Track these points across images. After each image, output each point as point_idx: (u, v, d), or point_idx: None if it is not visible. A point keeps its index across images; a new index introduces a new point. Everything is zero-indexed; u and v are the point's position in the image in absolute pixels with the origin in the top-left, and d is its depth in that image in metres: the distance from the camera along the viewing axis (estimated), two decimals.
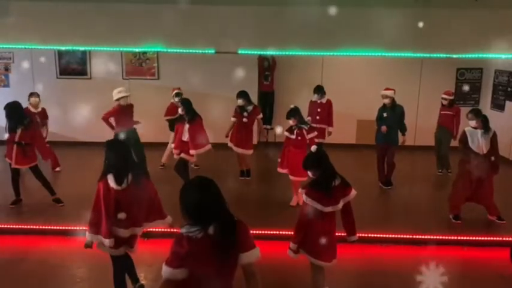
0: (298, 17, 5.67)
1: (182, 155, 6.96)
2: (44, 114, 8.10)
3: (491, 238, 5.81)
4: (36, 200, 6.86)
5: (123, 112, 7.38)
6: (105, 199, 3.89)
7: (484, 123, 6.15)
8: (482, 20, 5.80)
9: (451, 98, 8.43)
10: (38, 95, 8.05)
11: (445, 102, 8.40)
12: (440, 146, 8.48)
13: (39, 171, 6.70)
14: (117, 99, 7.32)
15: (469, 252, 5.64)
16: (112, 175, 3.89)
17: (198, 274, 2.59)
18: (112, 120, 7.40)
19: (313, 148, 4.51)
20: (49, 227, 5.90)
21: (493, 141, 6.13)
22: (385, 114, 7.48)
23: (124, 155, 3.99)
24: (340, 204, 4.11)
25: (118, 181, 3.88)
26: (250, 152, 7.94)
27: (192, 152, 6.88)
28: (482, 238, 5.80)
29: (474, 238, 5.80)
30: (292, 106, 6.82)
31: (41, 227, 5.91)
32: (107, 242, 3.94)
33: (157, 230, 5.43)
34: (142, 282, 4.56)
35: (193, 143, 6.84)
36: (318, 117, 8.20)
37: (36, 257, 5.40)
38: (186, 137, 6.90)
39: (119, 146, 4.07)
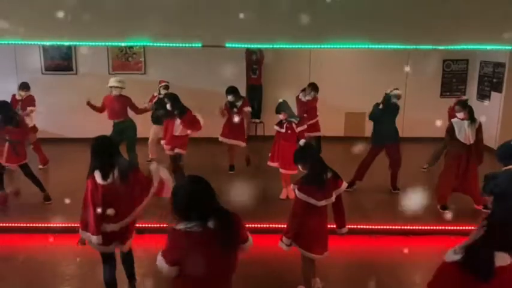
0: (286, 10, 5.64)
1: (176, 150, 6.95)
2: (28, 101, 7.94)
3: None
4: (22, 197, 6.79)
5: (113, 102, 7.47)
6: (93, 195, 3.87)
7: (470, 114, 6.25)
8: (468, 11, 5.84)
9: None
10: (26, 89, 7.98)
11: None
12: None
13: (29, 169, 6.61)
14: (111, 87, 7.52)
15: (456, 242, 5.70)
16: (98, 170, 3.87)
17: (201, 268, 2.61)
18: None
19: (302, 142, 4.53)
20: (36, 225, 5.83)
21: (479, 132, 6.23)
22: (380, 113, 6.99)
23: (108, 149, 3.97)
24: (333, 197, 4.14)
25: (104, 176, 3.86)
26: (244, 144, 7.93)
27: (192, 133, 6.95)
28: (470, 227, 5.86)
29: (461, 228, 5.87)
30: (280, 100, 6.84)
31: (28, 225, 5.85)
32: (94, 238, 3.92)
33: (149, 225, 5.44)
34: None
35: (193, 131, 6.94)
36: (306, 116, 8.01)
37: (24, 255, 5.34)
38: (178, 131, 6.88)
39: (103, 141, 4.04)
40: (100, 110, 7.60)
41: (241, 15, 5.56)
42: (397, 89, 7.10)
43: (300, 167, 4.25)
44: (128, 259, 4.38)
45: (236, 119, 7.64)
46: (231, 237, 2.66)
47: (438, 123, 7.55)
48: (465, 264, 2.41)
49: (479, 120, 6.26)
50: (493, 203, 4.32)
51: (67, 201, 6.03)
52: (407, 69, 9.18)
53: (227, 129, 7.84)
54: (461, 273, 2.41)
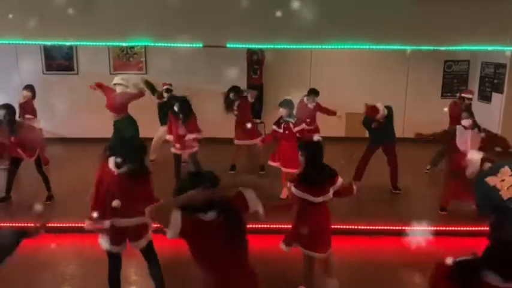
0: (286, 10, 5.65)
1: (187, 151, 6.96)
2: (26, 107, 7.96)
3: (477, 228, 5.88)
4: (24, 197, 6.80)
5: (112, 99, 7.64)
6: (100, 179, 3.92)
7: (474, 124, 6.11)
8: (469, 12, 5.84)
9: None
10: (29, 90, 8.09)
11: (468, 102, 7.86)
12: None
13: (41, 165, 6.72)
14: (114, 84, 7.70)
15: (456, 242, 5.71)
16: (113, 158, 3.89)
17: (214, 252, 2.80)
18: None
19: (316, 138, 4.56)
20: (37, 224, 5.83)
21: (485, 142, 6.00)
22: (373, 124, 7.17)
23: (129, 145, 4.03)
24: (331, 193, 4.15)
25: (116, 165, 3.87)
26: (259, 140, 7.96)
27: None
28: (469, 228, 5.87)
29: (461, 228, 5.87)
30: (287, 97, 6.92)
31: (29, 224, 5.84)
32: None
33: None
34: (134, 278, 4.54)
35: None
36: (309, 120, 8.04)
37: (25, 255, 5.33)
38: (182, 132, 6.90)
39: (127, 138, 4.17)
40: (101, 85, 7.81)
41: (242, 15, 5.57)
42: (384, 107, 7.09)
43: (299, 154, 4.26)
44: (151, 263, 4.22)
45: (249, 125, 7.68)
46: (238, 224, 2.91)
47: (445, 109, 7.65)
48: (454, 277, 2.46)
49: (483, 132, 6.09)
50: (492, 219, 4.30)
51: (67, 201, 6.04)
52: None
53: (241, 132, 7.88)
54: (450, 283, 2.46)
